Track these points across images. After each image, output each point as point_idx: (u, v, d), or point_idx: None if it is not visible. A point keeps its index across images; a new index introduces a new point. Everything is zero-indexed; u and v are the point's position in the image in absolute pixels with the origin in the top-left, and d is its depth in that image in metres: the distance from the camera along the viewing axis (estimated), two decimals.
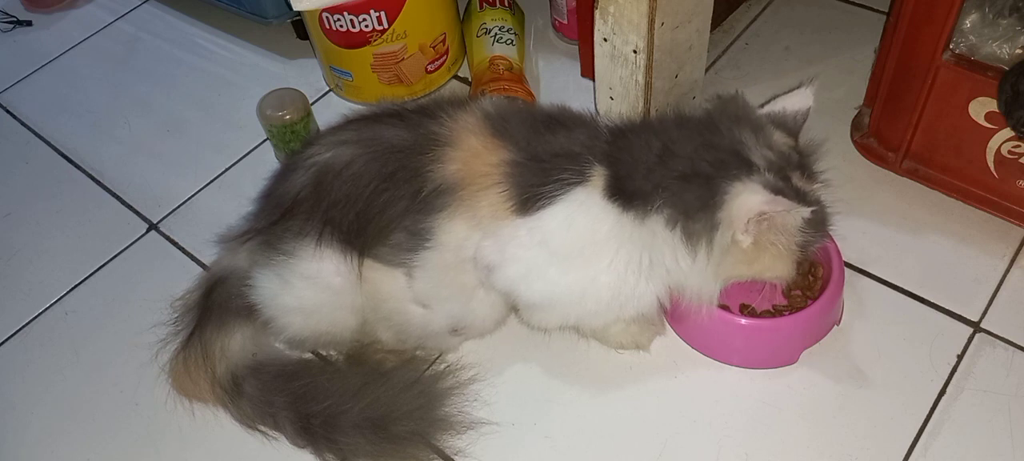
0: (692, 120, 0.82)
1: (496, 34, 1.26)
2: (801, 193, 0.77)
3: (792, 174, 0.78)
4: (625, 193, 0.78)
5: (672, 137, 0.79)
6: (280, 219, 0.87)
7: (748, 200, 0.74)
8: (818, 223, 0.79)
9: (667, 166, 0.77)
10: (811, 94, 0.83)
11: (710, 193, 0.75)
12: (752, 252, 0.78)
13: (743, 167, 0.76)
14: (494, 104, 0.87)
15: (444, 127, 0.83)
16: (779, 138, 0.80)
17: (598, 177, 0.79)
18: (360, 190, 0.83)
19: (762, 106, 0.84)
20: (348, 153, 0.85)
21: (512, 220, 0.79)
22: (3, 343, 1.07)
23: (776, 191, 0.74)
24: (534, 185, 0.79)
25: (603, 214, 0.78)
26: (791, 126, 0.82)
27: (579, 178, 0.79)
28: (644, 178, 0.77)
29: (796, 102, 0.82)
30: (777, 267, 0.80)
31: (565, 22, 1.32)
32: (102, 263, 1.15)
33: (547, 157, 0.80)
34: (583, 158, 0.80)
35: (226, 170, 1.25)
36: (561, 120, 0.84)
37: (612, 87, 1.08)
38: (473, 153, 0.81)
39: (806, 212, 0.74)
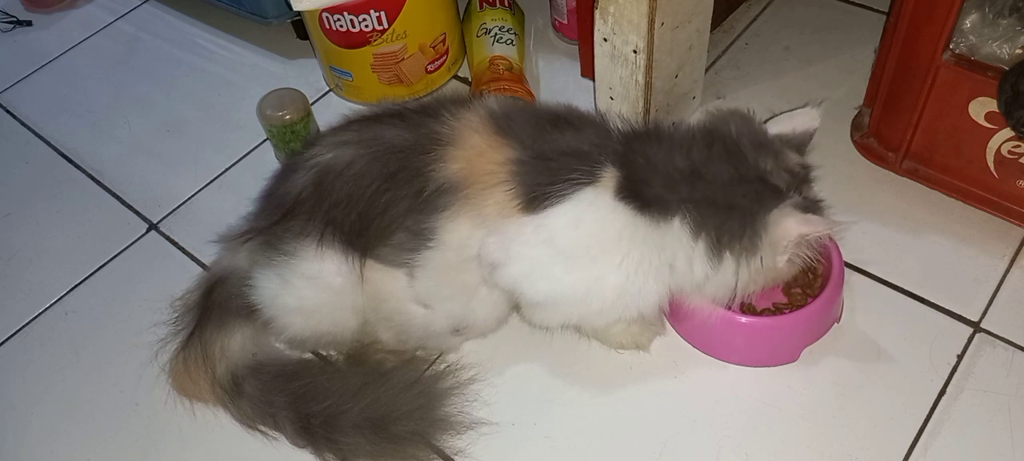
0: (717, 140, 0.82)
1: (496, 34, 1.26)
2: (819, 206, 0.81)
3: (803, 189, 0.82)
4: (642, 197, 0.79)
5: (700, 158, 0.80)
6: (281, 219, 0.87)
7: (787, 225, 0.78)
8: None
9: (696, 188, 0.79)
10: (818, 115, 0.86)
11: (750, 224, 0.78)
12: (785, 269, 0.82)
13: (774, 194, 0.79)
14: (498, 102, 0.87)
15: (446, 126, 0.83)
16: (793, 159, 0.83)
17: (609, 178, 0.79)
18: (362, 190, 0.83)
19: (767, 120, 0.86)
20: (349, 153, 0.85)
21: (518, 217, 0.80)
22: (3, 343, 1.07)
23: (804, 211, 0.78)
24: (542, 183, 0.79)
25: (614, 215, 0.79)
26: (799, 145, 0.85)
27: (589, 178, 0.79)
28: (666, 188, 0.79)
29: (803, 122, 0.86)
30: (791, 275, 0.85)
31: (565, 22, 1.32)
32: (102, 263, 1.15)
33: (554, 155, 0.81)
34: (594, 158, 0.80)
35: (226, 170, 1.25)
36: (568, 119, 0.85)
37: (612, 87, 1.08)
38: (477, 151, 0.81)
39: (839, 226, 0.79)
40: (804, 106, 0.86)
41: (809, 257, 0.82)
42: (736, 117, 0.85)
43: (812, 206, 0.80)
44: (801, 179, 0.82)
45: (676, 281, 0.82)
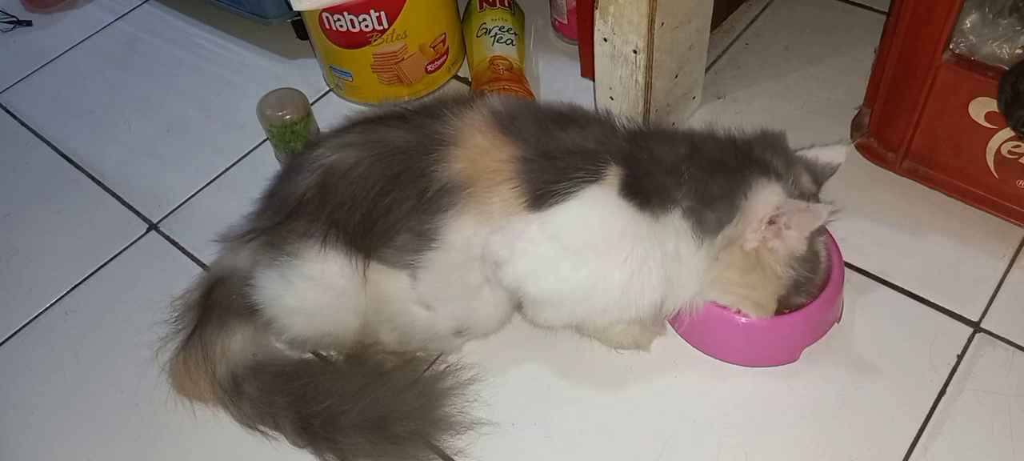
0: (724, 135, 0.85)
1: (496, 34, 1.26)
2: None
3: None
4: (643, 192, 0.79)
5: (701, 143, 0.82)
6: (285, 220, 0.87)
7: (770, 196, 0.77)
8: (811, 267, 0.84)
9: (693, 162, 0.80)
10: (845, 153, 0.86)
11: (735, 183, 0.78)
12: (751, 260, 0.80)
13: (770, 172, 0.79)
14: (501, 102, 0.87)
15: (449, 126, 0.84)
16: (806, 180, 0.84)
17: (614, 176, 0.80)
18: (365, 192, 0.83)
19: (798, 151, 0.87)
20: (353, 155, 0.85)
21: (523, 215, 0.80)
22: (3, 343, 1.07)
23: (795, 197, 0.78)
24: (547, 182, 0.79)
25: (618, 212, 0.79)
26: (818, 175, 0.85)
27: (594, 177, 0.79)
28: (667, 174, 0.80)
29: (829, 155, 0.86)
30: (763, 289, 0.83)
31: (565, 22, 1.32)
32: (102, 263, 1.15)
33: (559, 154, 0.81)
34: (599, 156, 0.80)
35: (226, 170, 1.25)
36: (573, 118, 0.85)
37: (612, 87, 1.08)
38: (480, 150, 0.81)
39: (824, 212, 0.78)
40: (837, 142, 0.87)
41: (794, 268, 0.82)
42: (763, 131, 0.86)
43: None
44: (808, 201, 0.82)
45: (672, 273, 0.82)
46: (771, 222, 0.79)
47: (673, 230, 0.79)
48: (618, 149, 0.81)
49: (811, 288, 0.86)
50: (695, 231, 0.79)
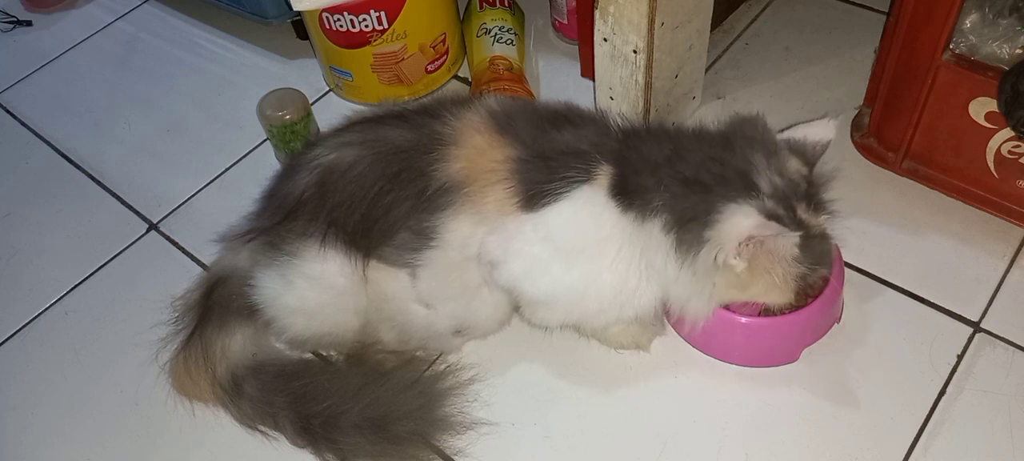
0: (709, 133, 0.82)
1: (496, 34, 1.26)
2: (801, 222, 0.77)
3: (797, 204, 0.77)
4: (628, 192, 0.78)
5: (685, 144, 0.80)
6: (284, 219, 0.87)
7: (740, 222, 0.74)
8: (818, 254, 0.79)
9: (672, 167, 0.78)
10: (834, 127, 0.82)
11: (706, 207, 0.75)
12: (746, 277, 0.78)
13: (745, 188, 0.76)
14: (499, 102, 0.87)
15: (448, 126, 0.84)
16: (793, 165, 0.80)
17: (604, 176, 0.79)
18: (364, 191, 0.83)
19: (783, 130, 0.84)
20: (352, 154, 0.85)
21: (517, 215, 0.80)
22: (3, 343, 1.07)
23: (772, 217, 0.74)
24: (540, 182, 0.79)
25: (606, 213, 0.79)
26: (808, 155, 0.82)
27: (585, 176, 0.79)
28: (648, 175, 0.78)
29: (817, 132, 0.82)
30: (773, 294, 0.80)
31: (565, 22, 1.32)
32: (102, 263, 1.15)
33: (553, 154, 0.81)
34: (590, 156, 0.80)
35: (226, 170, 1.25)
36: (569, 117, 0.85)
37: (612, 87, 1.08)
38: (478, 151, 0.81)
39: (796, 238, 0.74)
40: (822, 117, 0.83)
41: (797, 260, 0.78)
42: (741, 117, 0.84)
43: (786, 217, 0.75)
44: (799, 193, 0.78)
45: (659, 282, 0.81)
46: (748, 242, 0.75)
47: (657, 243, 0.78)
48: (610, 148, 0.81)
49: (826, 264, 0.82)
50: (677, 249, 0.77)
